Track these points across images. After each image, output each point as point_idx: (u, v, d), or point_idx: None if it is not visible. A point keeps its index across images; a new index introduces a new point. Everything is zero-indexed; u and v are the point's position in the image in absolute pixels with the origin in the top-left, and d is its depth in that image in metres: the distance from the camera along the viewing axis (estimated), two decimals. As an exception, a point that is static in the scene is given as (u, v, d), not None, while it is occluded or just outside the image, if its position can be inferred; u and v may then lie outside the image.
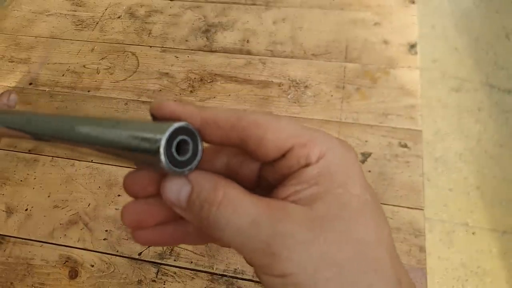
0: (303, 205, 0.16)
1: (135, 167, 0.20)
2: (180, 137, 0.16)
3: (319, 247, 0.15)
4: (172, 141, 0.16)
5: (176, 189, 0.17)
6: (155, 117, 0.18)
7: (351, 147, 0.18)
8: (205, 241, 0.21)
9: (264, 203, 0.16)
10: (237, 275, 0.49)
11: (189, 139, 0.17)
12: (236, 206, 0.16)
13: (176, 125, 0.16)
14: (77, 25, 0.80)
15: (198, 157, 0.17)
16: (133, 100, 0.68)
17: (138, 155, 0.16)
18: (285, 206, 0.16)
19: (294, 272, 0.15)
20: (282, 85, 0.67)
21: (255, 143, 0.17)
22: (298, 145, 0.17)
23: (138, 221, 0.19)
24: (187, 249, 0.51)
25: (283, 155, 0.17)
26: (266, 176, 0.19)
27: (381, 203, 0.55)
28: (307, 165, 0.17)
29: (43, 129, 0.20)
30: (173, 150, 0.16)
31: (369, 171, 0.57)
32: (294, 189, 0.16)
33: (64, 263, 0.52)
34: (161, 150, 0.15)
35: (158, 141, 0.15)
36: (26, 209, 0.57)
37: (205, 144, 0.18)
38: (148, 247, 0.52)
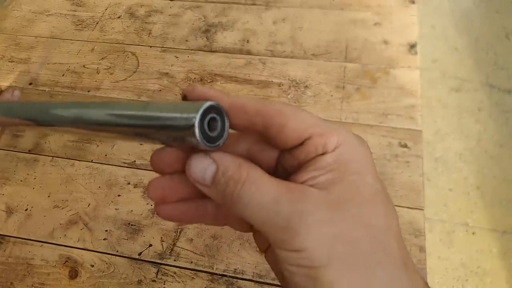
0: (320, 190, 0.17)
1: (161, 145, 0.20)
2: (210, 115, 0.18)
3: (334, 226, 0.16)
4: (205, 118, 0.17)
5: (202, 167, 0.18)
6: (185, 99, 0.20)
7: (364, 141, 0.19)
8: (221, 223, 0.22)
9: (285, 184, 0.17)
10: (237, 275, 0.49)
11: (218, 118, 0.18)
12: (259, 185, 0.17)
13: (209, 103, 0.18)
14: (77, 25, 0.80)
15: (225, 135, 0.19)
16: (133, 100, 0.68)
17: (171, 132, 0.18)
18: (304, 189, 0.17)
19: (310, 247, 0.16)
20: (282, 85, 0.68)
21: (277, 130, 0.18)
22: (317, 135, 0.18)
23: (162, 195, 0.21)
24: (187, 249, 0.51)
25: (302, 143, 0.18)
26: (284, 164, 0.20)
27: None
28: (324, 153, 0.18)
29: (73, 113, 0.21)
30: (205, 126, 0.17)
31: (369, 171, 0.57)
32: (312, 174, 0.18)
33: (64, 263, 0.52)
34: (196, 124, 0.17)
35: (193, 117, 0.17)
36: (26, 209, 0.57)
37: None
38: (148, 246, 0.52)
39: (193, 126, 0.17)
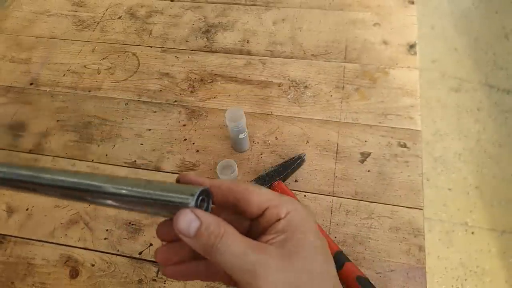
0: (277, 247, 0.23)
1: (161, 217, 0.26)
2: (201, 196, 0.24)
3: (286, 273, 0.22)
4: (198, 198, 0.23)
5: (187, 222, 0.23)
6: (178, 182, 0.26)
7: (308, 209, 0.27)
8: (212, 279, 0.28)
9: (251, 241, 0.23)
10: (237, 274, 0.49)
11: (205, 198, 0.25)
12: (233, 239, 0.23)
13: (202, 188, 0.24)
14: (77, 25, 0.81)
15: (210, 209, 0.25)
16: (133, 100, 0.68)
17: (171, 208, 0.23)
18: (264, 246, 0.23)
19: None
20: (282, 85, 0.68)
21: (244, 203, 0.25)
22: (272, 206, 0.25)
23: (165, 259, 0.26)
24: (187, 249, 0.52)
25: (263, 213, 0.25)
26: (254, 229, 0.26)
27: (380, 203, 0.55)
28: (278, 220, 0.24)
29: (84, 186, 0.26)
30: (198, 204, 0.24)
31: (368, 171, 0.57)
32: (272, 236, 0.24)
33: (65, 262, 0.52)
34: (193, 204, 0.23)
35: (191, 198, 0.23)
36: (27, 209, 0.57)
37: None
38: (149, 246, 0.52)
39: (188, 204, 0.23)
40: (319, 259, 0.24)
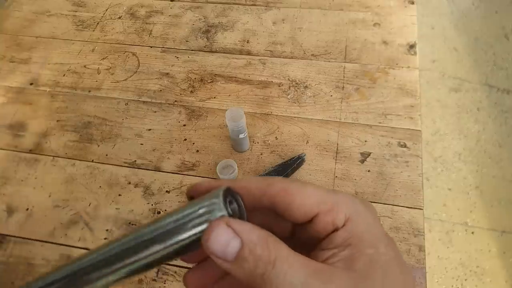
0: (342, 268, 0.17)
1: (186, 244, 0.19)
2: (228, 198, 0.18)
3: None
4: (226, 200, 0.18)
5: (224, 241, 0.17)
6: (191, 198, 0.20)
7: (372, 207, 0.20)
8: None
9: (312, 265, 0.17)
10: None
11: (233, 200, 0.18)
12: (290, 266, 0.16)
13: (224, 187, 0.18)
14: (77, 25, 0.81)
15: (245, 218, 0.19)
16: (133, 100, 0.68)
17: (195, 226, 0.17)
18: (330, 270, 0.17)
19: None
20: (282, 85, 0.68)
21: (283, 209, 0.19)
22: (323, 212, 0.18)
23: (199, 285, 0.20)
24: (187, 249, 0.52)
25: (311, 220, 0.19)
26: (299, 235, 0.20)
27: (380, 203, 0.55)
28: (335, 230, 0.18)
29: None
30: (229, 210, 0.17)
31: (369, 171, 0.57)
32: (332, 252, 0.18)
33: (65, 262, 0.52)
34: (223, 210, 0.17)
35: (217, 200, 0.17)
36: (27, 209, 0.57)
37: None
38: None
39: (216, 212, 0.17)
40: (398, 276, 0.18)
